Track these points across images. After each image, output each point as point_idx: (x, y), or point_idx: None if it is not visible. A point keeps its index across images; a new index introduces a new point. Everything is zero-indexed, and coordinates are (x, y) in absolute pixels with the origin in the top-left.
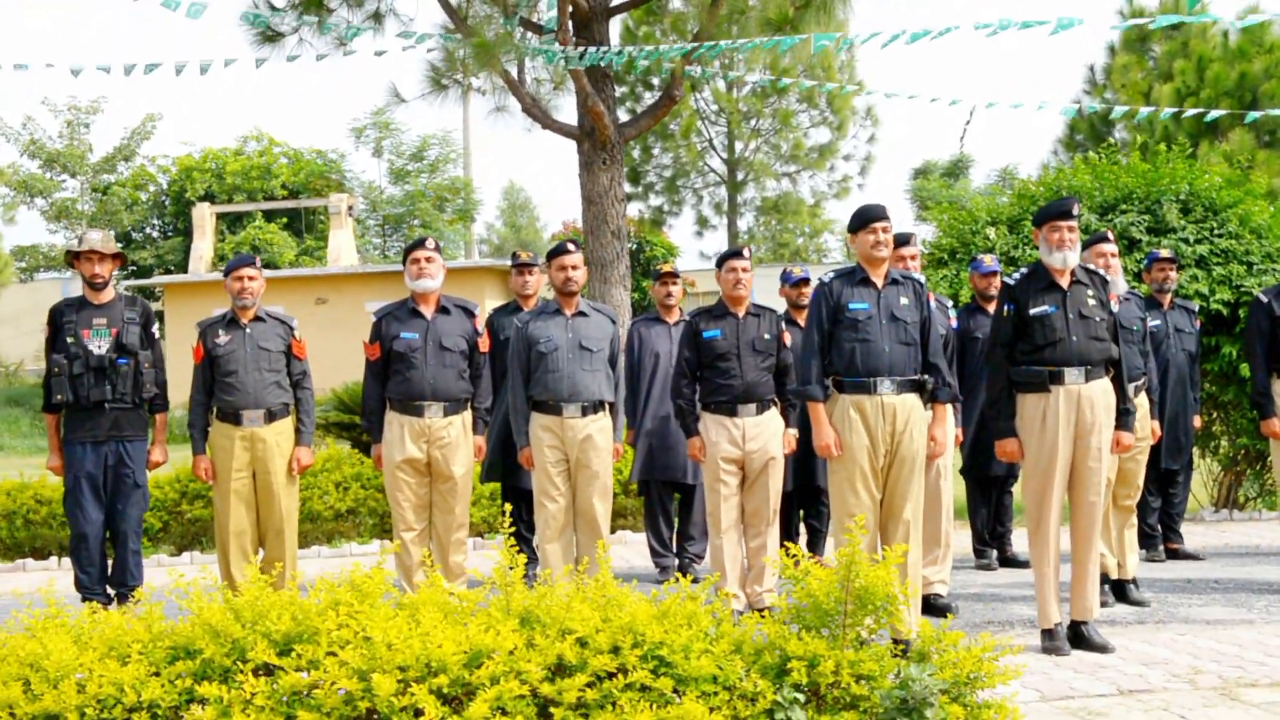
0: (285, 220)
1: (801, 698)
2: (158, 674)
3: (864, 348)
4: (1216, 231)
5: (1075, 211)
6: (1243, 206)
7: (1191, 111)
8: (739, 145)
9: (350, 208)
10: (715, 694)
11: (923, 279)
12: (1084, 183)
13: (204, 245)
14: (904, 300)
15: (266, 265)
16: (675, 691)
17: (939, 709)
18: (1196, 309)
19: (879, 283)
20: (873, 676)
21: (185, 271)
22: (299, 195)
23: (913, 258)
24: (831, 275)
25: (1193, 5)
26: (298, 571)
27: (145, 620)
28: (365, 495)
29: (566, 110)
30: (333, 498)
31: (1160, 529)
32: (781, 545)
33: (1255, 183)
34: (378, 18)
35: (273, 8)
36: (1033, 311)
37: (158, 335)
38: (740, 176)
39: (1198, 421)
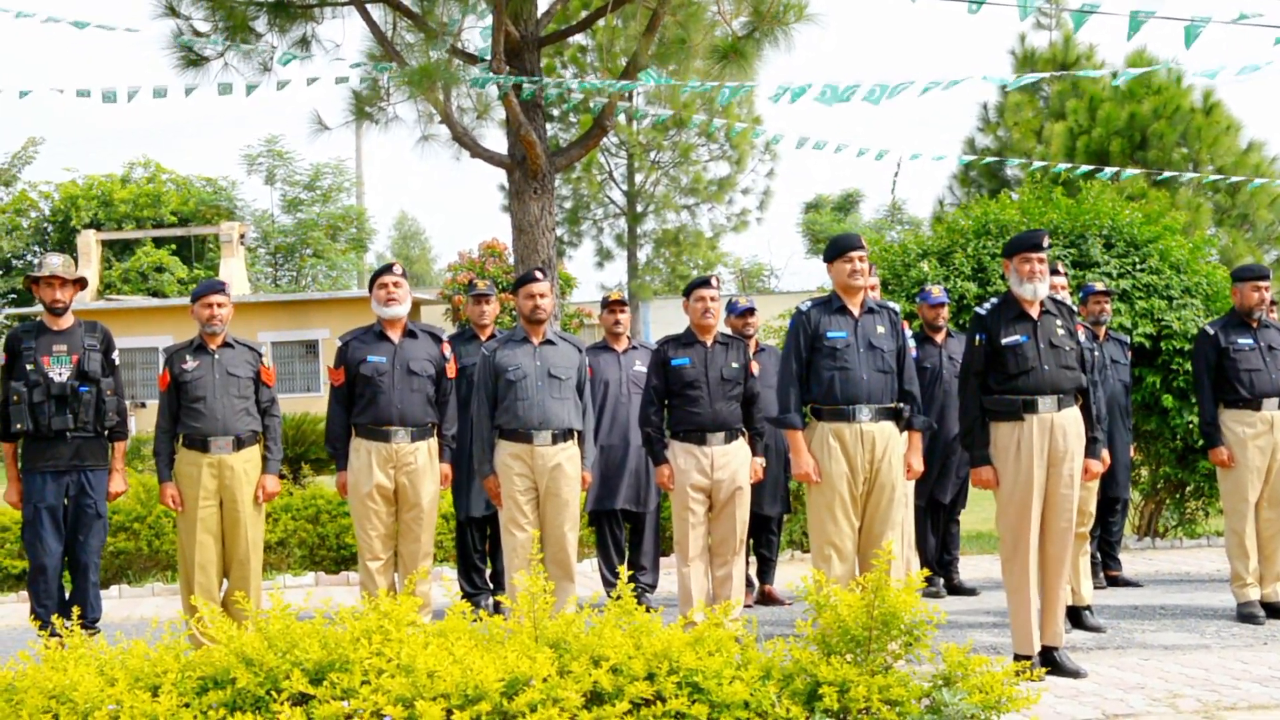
0: (174, 247)
1: None
2: (188, 705)
3: (842, 376)
4: (1138, 266)
5: (1046, 244)
6: (1162, 242)
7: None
8: (639, 177)
9: (242, 236)
10: None
11: (897, 308)
12: (1011, 217)
13: (89, 273)
14: (880, 329)
15: (154, 293)
16: (709, 719)
17: None
18: (1128, 341)
19: (856, 311)
20: (901, 701)
21: None
22: (188, 223)
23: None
24: (809, 304)
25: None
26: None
27: (173, 650)
28: (295, 526)
29: (490, 139)
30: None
31: (1100, 556)
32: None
33: (1172, 219)
34: (304, 44)
35: (196, 33)
36: (1004, 341)
37: (117, 361)
38: (640, 208)
39: (1132, 450)
